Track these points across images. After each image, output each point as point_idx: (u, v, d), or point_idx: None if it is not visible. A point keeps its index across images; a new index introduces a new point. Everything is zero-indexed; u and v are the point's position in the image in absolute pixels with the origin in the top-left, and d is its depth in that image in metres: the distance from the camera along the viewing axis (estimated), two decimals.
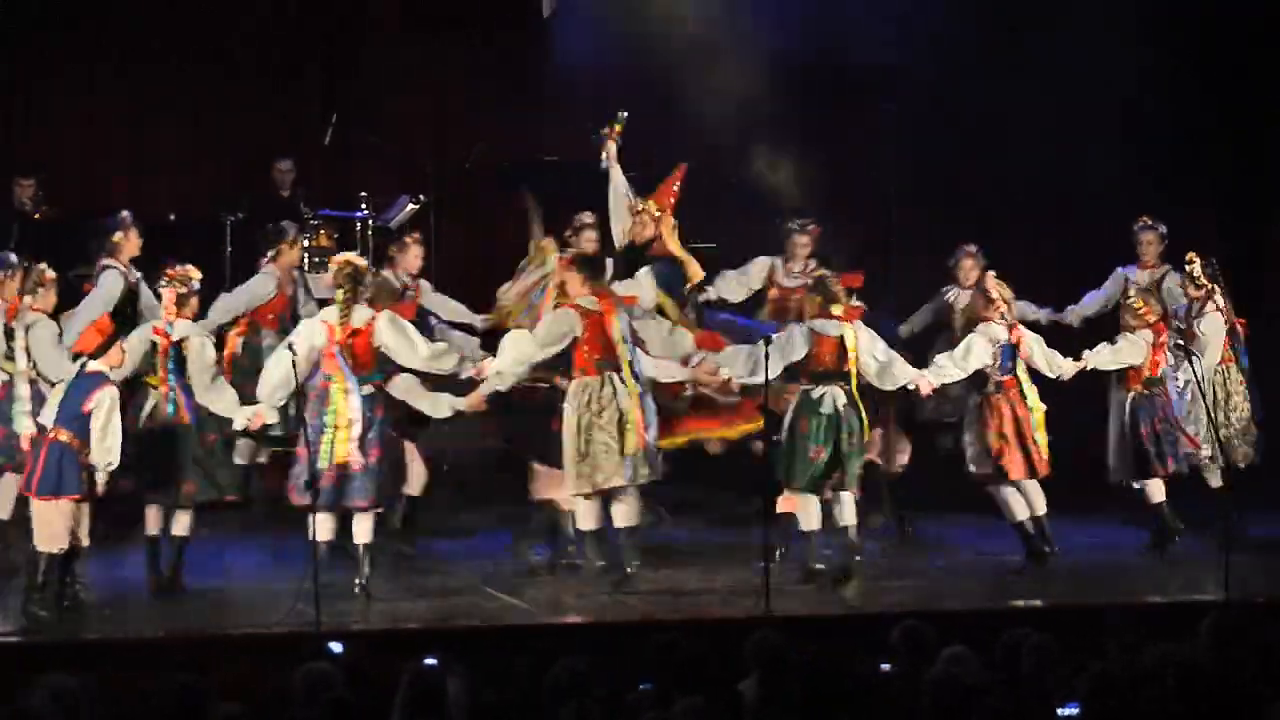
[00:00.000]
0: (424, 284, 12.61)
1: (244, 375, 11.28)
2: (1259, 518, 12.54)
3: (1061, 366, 11.80)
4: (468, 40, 16.19)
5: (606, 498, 11.17)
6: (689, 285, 12.36)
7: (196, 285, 11.07)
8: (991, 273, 11.92)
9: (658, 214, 12.38)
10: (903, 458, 12.49)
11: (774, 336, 11.22)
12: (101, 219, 14.07)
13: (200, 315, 11.51)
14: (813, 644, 8.37)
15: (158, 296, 11.39)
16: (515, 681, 8.09)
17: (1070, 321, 13.14)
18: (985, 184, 15.00)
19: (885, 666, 7.95)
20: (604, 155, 12.53)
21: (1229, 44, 15.40)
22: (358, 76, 16.02)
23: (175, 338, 10.83)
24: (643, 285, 12.15)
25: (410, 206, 15.01)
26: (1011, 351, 11.63)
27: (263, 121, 15.80)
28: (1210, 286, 12.53)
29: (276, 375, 10.84)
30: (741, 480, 12.46)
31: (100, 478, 10.24)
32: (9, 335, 11.27)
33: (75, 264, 13.44)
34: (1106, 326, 12.60)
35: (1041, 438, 11.60)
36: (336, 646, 9.07)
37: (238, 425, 10.91)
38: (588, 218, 12.42)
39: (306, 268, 13.79)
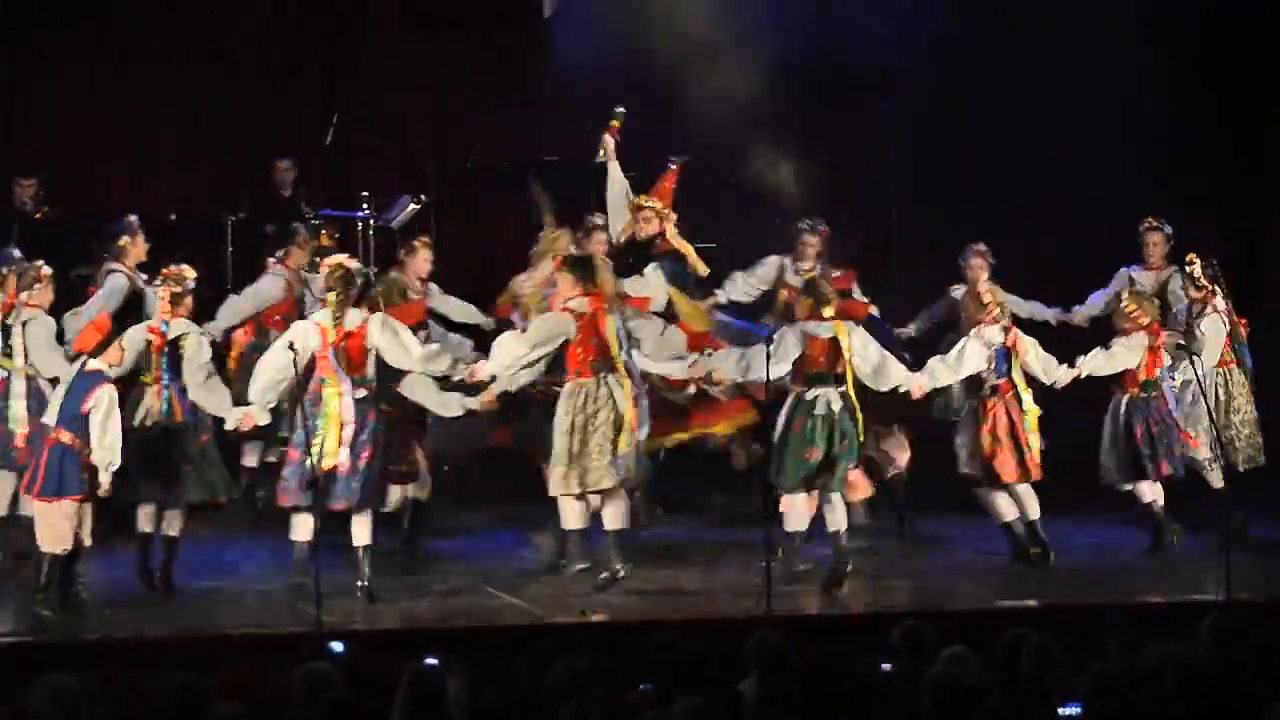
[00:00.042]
0: (433, 287, 12.64)
1: (252, 376, 11.27)
2: (1259, 518, 12.54)
3: (1056, 374, 11.78)
4: (468, 40, 16.19)
5: (589, 497, 11.16)
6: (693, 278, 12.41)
7: (191, 284, 11.06)
8: (985, 275, 11.87)
9: (663, 211, 12.39)
10: (902, 458, 12.48)
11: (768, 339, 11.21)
12: (102, 219, 14.10)
13: (202, 314, 11.52)
14: (813, 644, 8.37)
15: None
16: (515, 681, 8.09)
17: (1077, 322, 13.15)
18: (985, 184, 14.99)
19: (885, 666, 7.95)
20: (601, 151, 12.53)
21: (1229, 44, 15.40)
22: (358, 76, 16.01)
23: (171, 336, 10.83)
24: (652, 284, 12.17)
25: (411, 206, 15.01)
26: (1007, 354, 11.61)
27: (263, 121, 15.80)
28: (1211, 288, 12.52)
29: (267, 377, 10.84)
30: (741, 480, 12.48)
31: (104, 478, 10.24)
32: (6, 332, 11.28)
33: (75, 264, 13.46)
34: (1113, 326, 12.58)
35: (1035, 441, 11.58)
36: (337, 646, 9.07)
37: (229, 425, 10.93)
38: (599, 219, 12.41)
39: (308, 268, 13.77)
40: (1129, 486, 12.17)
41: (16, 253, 11.64)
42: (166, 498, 10.83)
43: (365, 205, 14.88)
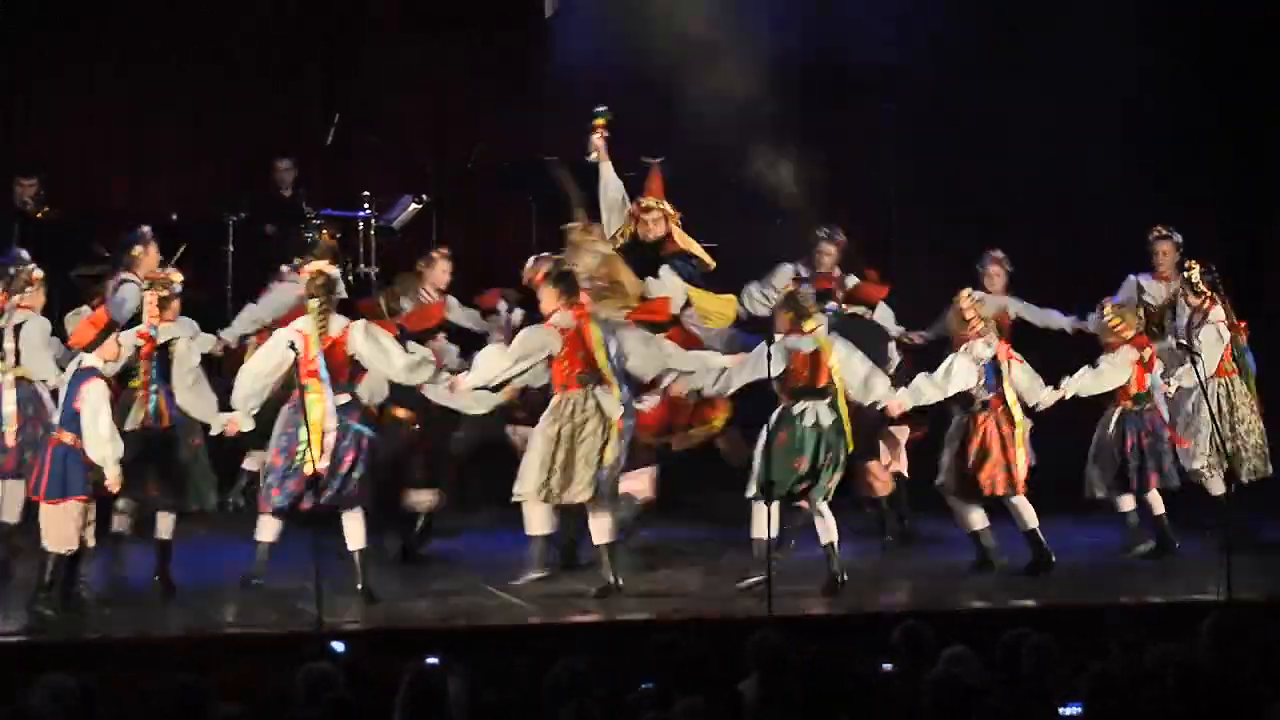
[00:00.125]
0: (451, 300, 12.67)
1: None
2: (1260, 519, 12.54)
3: (1040, 395, 11.72)
4: (468, 40, 16.19)
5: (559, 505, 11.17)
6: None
7: (178, 288, 11.08)
8: (966, 290, 11.80)
9: (669, 211, 12.38)
10: (898, 466, 12.49)
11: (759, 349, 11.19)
12: (102, 219, 14.15)
13: (202, 314, 11.52)
14: (813, 644, 8.37)
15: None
16: (515, 681, 8.09)
17: (1093, 330, 13.06)
18: (985, 184, 15.00)
19: (885, 666, 7.95)
20: (593, 152, 12.50)
21: (1229, 44, 15.40)
22: (358, 76, 16.02)
23: (160, 341, 10.82)
24: (669, 285, 12.18)
25: (412, 206, 15.03)
26: (996, 369, 11.55)
27: (263, 121, 15.81)
28: (1209, 294, 12.48)
29: (250, 384, 10.86)
30: (741, 480, 12.47)
31: (110, 473, 10.22)
32: None
33: (75, 264, 13.48)
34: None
35: (1022, 456, 11.52)
36: (338, 646, 9.08)
37: (214, 431, 10.94)
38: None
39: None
40: (1106, 495, 12.08)
41: (24, 254, 11.63)
42: (160, 501, 10.84)
43: (366, 205, 14.90)
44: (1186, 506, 12.47)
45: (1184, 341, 12.22)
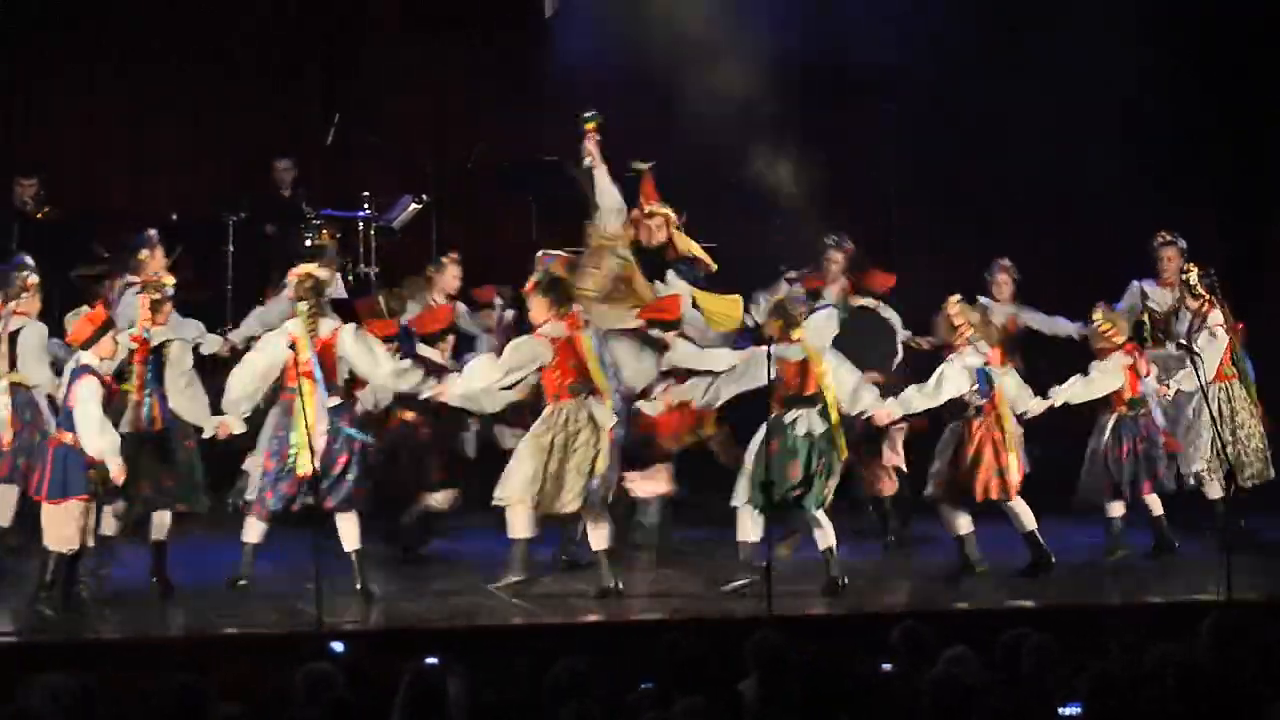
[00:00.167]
0: (460, 306, 12.68)
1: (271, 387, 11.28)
2: (1260, 519, 12.54)
3: (1029, 404, 11.70)
4: (468, 40, 16.20)
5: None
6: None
7: (170, 291, 11.08)
8: (954, 297, 11.75)
9: (670, 216, 12.37)
10: (896, 460, 12.49)
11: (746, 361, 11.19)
12: (102, 219, 14.15)
13: (203, 313, 11.53)
14: (813, 644, 8.37)
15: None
16: (515, 681, 8.09)
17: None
18: (985, 184, 15.01)
19: (885, 666, 7.95)
20: (587, 158, 12.46)
21: (1229, 44, 15.40)
22: (358, 76, 16.03)
23: (154, 344, 10.81)
24: (675, 289, 12.19)
25: (412, 206, 15.03)
26: (988, 375, 11.54)
27: (263, 121, 15.81)
28: (1208, 297, 12.46)
29: (241, 386, 10.86)
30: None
31: (112, 464, 10.21)
32: None
33: (75, 264, 13.48)
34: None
35: (1014, 459, 11.51)
36: (338, 646, 9.08)
37: (206, 434, 10.94)
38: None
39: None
40: (1098, 501, 12.07)
41: (29, 260, 11.65)
42: (154, 502, 10.85)
43: (366, 205, 14.91)
44: (1186, 508, 12.48)
45: (1184, 342, 12.21)
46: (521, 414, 11.68)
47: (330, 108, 15.56)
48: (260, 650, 9.62)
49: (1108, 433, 11.92)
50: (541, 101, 15.38)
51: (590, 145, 12.36)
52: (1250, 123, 15.55)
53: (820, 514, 11.08)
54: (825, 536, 11.11)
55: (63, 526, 10.24)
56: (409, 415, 11.80)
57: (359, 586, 10.81)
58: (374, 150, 15.58)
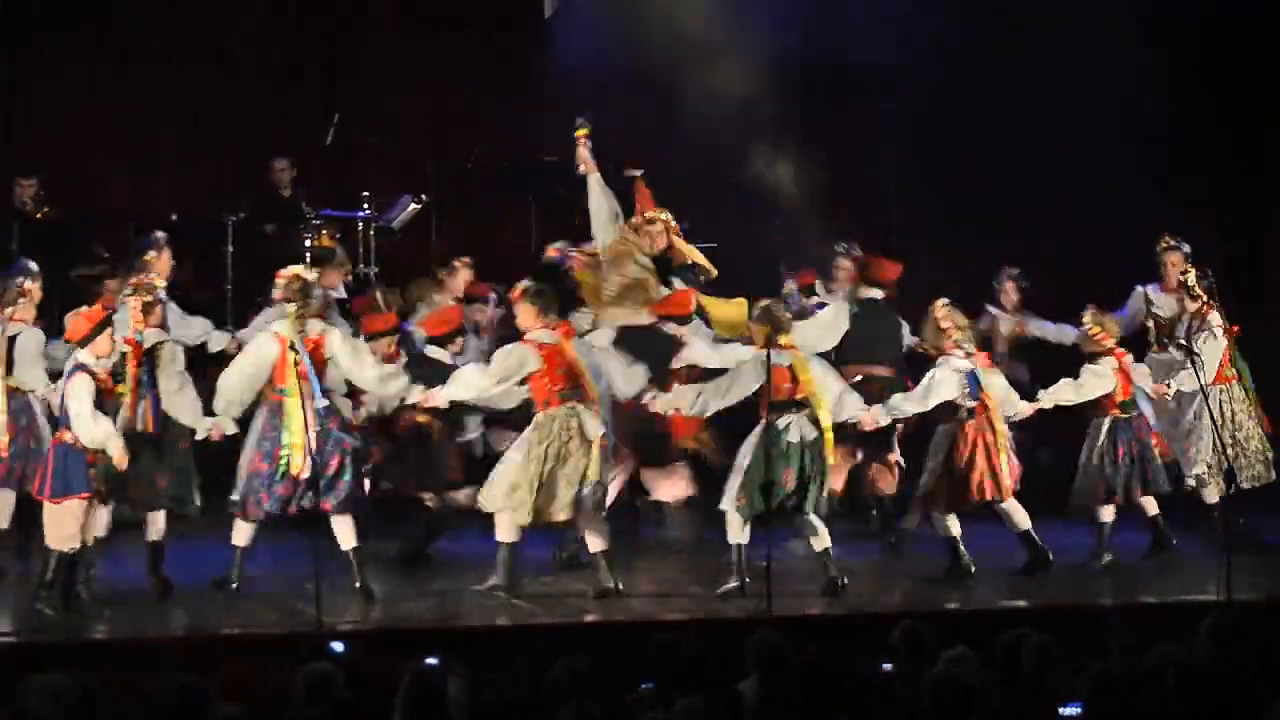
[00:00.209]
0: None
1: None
2: (1261, 520, 12.54)
3: (1016, 407, 11.69)
4: (468, 40, 16.20)
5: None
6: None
7: (162, 294, 11.10)
8: (941, 300, 11.72)
9: (673, 223, 12.36)
10: (895, 456, 12.50)
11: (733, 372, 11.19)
12: (102, 219, 14.13)
13: (205, 313, 11.53)
14: (813, 644, 8.37)
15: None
16: (515, 681, 8.10)
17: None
18: (985, 184, 15.00)
19: (885, 666, 7.95)
20: (580, 164, 12.45)
21: (1229, 44, 15.39)
22: (358, 76, 16.03)
23: (146, 346, 10.81)
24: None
25: (412, 206, 15.03)
26: (976, 377, 11.52)
27: (263, 121, 15.81)
28: (1206, 299, 12.45)
29: (233, 390, 10.86)
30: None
31: (113, 447, 10.20)
32: None
33: (75, 264, 13.48)
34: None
35: (1006, 460, 11.50)
36: (337, 646, 9.08)
37: (199, 435, 10.94)
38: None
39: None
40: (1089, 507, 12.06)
41: (33, 265, 11.65)
42: (149, 503, 10.86)
43: (365, 205, 14.90)
44: (1187, 508, 12.48)
45: (1183, 343, 12.19)
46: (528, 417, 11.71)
47: (330, 108, 15.56)
48: (260, 650, 9.62)
49: (1103, 436, 11.90)
50: (541, 101, 15.38)
51: (584, 153, 12.36)
52: (1250, 123, 15.54)
53: (814, 518, 11.07)
54: (821, 540, 11.11)
55: (64, 525, 10.25)
56: (423, 417, 11.78)
57: (358, 585, 10.81)
58: (374, 150, 15.58)
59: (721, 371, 11.42)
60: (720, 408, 11.28)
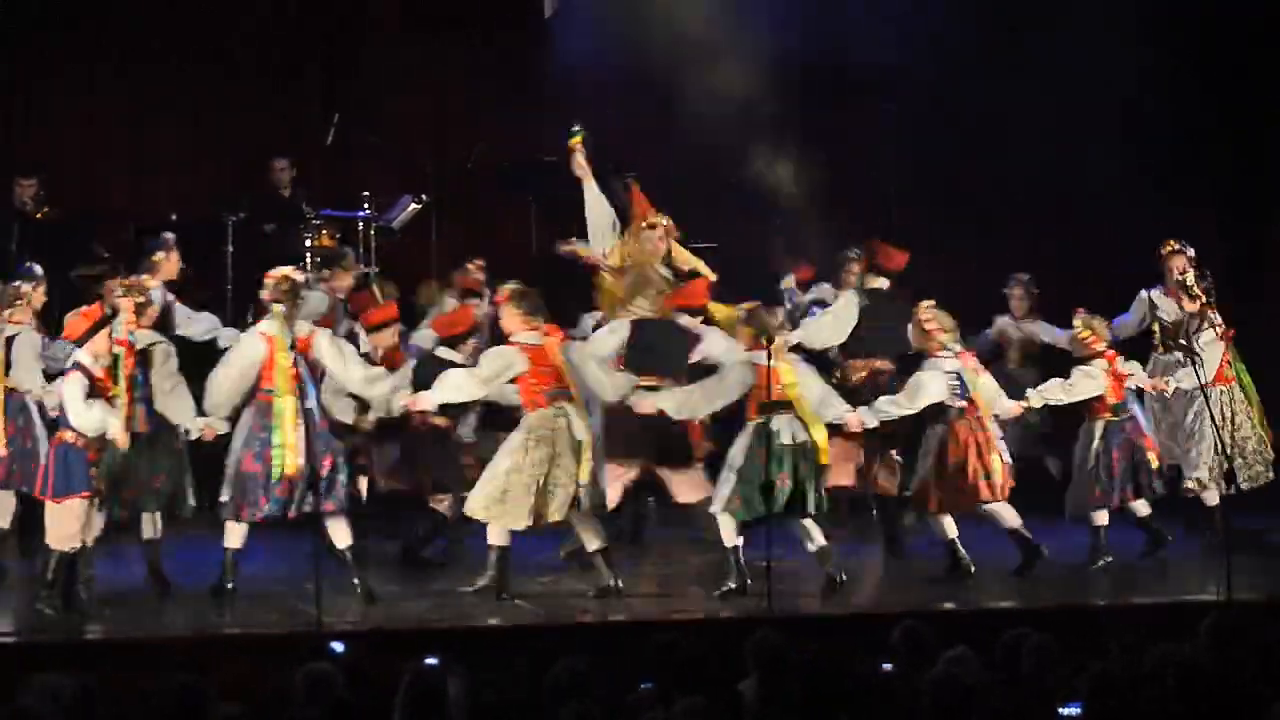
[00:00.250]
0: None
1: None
2: (1261, 520, 12.54)
3: (1004, 406, 11.68)
4: (468, 40, 16.20)
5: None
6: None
7: (155, 295, 11.09)
8: (926, 302, 11.69)
9: (673, 228, 12.36)
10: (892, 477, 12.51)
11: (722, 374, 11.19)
12: (102, 219, 14.14)
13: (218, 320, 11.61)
14: (813, 644, 8.36)
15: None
16: (515, 681, 8.09)
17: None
18: (985, 184, 15.00)
19: (885, 666, 7.95)
20: (577, 170, 12.43)
21: (1229, 44, 15.39)
22: (358, 76, 16.03)
23: (139, 347, 10.81)
24: None
25: (412, 206, 15.03)
26: (963, 377, 11.51)
27: (263, 121, 15.82)
28: (1205, 299, 12.44)
29: (224, 390, 10.85)
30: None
31: (113, 428, 10.18)
32: None
33: (75, 264, 13.48)
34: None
35: (998, 459, 11.49)
36: (337, 646, 9.07)
37: (191, 435, 10.94)
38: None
39: (308, 268, 13.80)
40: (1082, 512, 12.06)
41: (38, 269, 11.66)
42: (145, 504, 10.86)
43: (366, 205, 14.90)
44: (1187, 509, 12.47)
45: (1183, 342, 12.18)
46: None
47: (330, 108, 15.56)
48: (260, 650, 9.61)
49: (1096, 440, 11.88)
50: (541, 101, 15.38)
51: (580, 159, 12.35)
52: (1250, 123, 15.54)
53: (809, 520, 11.07)
54: (818, 539, 11.10)
55: (65, 525, 10.25)
56: (439, 420, 11.76)
57: (356, 582, 10.81)
58: (374, 150, 15.58)
59: (710, 372, 11.43)
60: (708, 412, 11.29)
